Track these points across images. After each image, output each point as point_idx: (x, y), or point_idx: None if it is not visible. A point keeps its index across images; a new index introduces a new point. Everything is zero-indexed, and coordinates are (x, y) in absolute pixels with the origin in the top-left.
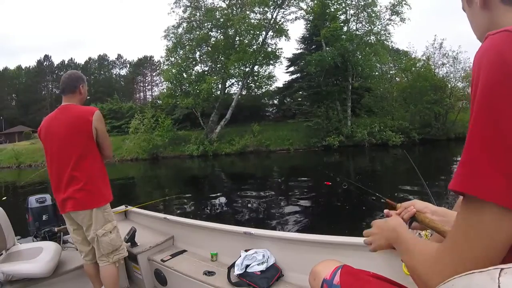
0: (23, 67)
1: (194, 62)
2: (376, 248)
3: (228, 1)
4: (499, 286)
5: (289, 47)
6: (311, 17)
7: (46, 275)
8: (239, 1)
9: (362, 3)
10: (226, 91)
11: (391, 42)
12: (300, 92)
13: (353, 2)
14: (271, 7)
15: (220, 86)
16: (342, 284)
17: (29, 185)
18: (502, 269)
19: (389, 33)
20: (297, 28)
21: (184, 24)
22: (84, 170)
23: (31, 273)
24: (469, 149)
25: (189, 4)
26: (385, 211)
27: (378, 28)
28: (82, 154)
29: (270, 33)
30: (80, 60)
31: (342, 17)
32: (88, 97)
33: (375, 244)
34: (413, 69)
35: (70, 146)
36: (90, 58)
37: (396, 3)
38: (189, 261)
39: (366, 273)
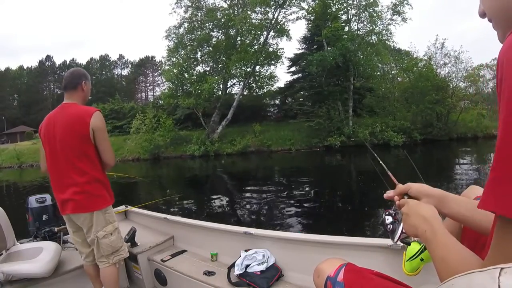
0: (25, 67)
1: (195, 62)
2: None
3: (229, 1)
4: (499, 285)
5: (290, 47)
6: (313, 17)
7: (46, 275)
8: (240, 1)
9: (364, 3)
10: (227, 91)
11: (393, 42)
12: (302, 92)
13: (355, 2)
14: (272, 7)
15: (221, 86)
16: (346, 281)
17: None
18: (502, 268)
19: (390, 33)
20: (298, 28)
21: (186, 24)
22: (83, 173)
23: (31, 273)
24: (502, 161)
25: (190, 4)
26: (385, 195)
27: (379, 28)
28: (80, 156)
29: (272, 33)
30: (82, 60)
31: (344, 17)
32: (90, 97)
33: (404, 224)
34: (414, 69)
35: (68, 147)
36: (92, 59)
37: (397, 3)
38: (189, 261)
39: (370, 271)
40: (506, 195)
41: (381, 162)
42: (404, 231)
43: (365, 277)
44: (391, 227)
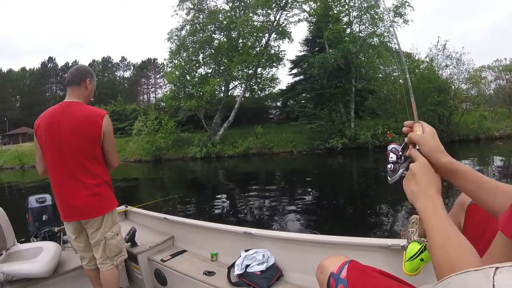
0: (27, 69)
1: (197, 64)
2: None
3: (231, 3)
4: (493, 284)
5: (292, 49)
6: (314, 19)
7: (46, 275)
8: (242, 4)
9: (365, 5)
10: (229, 93)
11: (394, 44)
12: (303, 94)
13: (356, 4)
14: (274, 10)
15: (223, 88)
16: (349, 278)
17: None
18: (497, 268)
19: (392, 35)
20: (300, 30)
21: (188, 27)
22: (94, 175)
23: (31, 273)
24: None
25: (192, 6)
26: (404, 128)
27: (381, 30)
28: (90, 158)
29: (273, 35)
30: (84, 62)
31: (345, 19)
32: (92, 99)
33: (406, 183)
34: (416, 71)
35: (78, 149)
36: (94, 60)
37: (399, 5)
38: (189, 261)
39: (372, 269)
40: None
41: (411, 90)
42: (403, 176)
43: (368, 275)
44: (392, 166)
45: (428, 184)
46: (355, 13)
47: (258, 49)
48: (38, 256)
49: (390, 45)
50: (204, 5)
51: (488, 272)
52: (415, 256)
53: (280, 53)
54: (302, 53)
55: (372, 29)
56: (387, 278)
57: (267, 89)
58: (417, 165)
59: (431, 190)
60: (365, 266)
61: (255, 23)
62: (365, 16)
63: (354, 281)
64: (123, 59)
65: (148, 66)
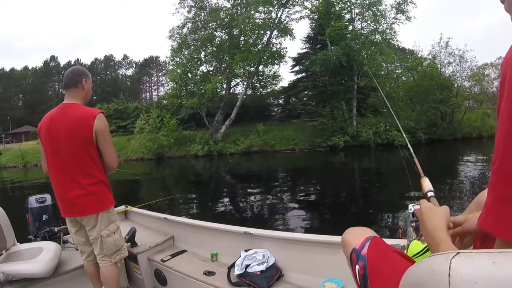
0: (29, 68)
1: (199, 62)
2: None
3: (232, 1)
4: (450, 266)
5: (294, 46)
6: (316, 16)
7: (46, 275)
8: (244, 1)
9: (367, 2)
10: (231, 91)
11: (397, 41)
12: (305, 92)
13: (358, 1)
14: (276, 7)
15: (225, 86)
16: (369, 257)
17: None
18: (458, 252)
19: (394, 32)
20: (302, 28)
21: (189, 24)
22: (89, 175)
23: (31, 273)
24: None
25: (193, 4)
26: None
27: (383, 27)
28: (85, 159)
29: (275, 32)
30: (87, 60)
31: (347, 16)
32: (94, 97)
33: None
34: (419, 68)
35: (73, 150)
36: (96, 59)
37: (401, 1)
38: (189, 261)
39: (394, 250)
40: (492, 215)
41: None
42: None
43: (388, 258)
44: (414, 224)
45: (427, 229)
46: (357, 10)
47: (259, 46)
48: (38, 256)
49: (392, 42)
50: (205, 2)
51: (448, 256)
52: (419, 254)
53: (282, 51)
54: (304, 50)
55: (374, 26)
56: (406, 261)
57: (268, 87)
58: (421, 217)
59: (431, 231)
60: (387, 246)
61: (257, 20)
62: (367, 13)
63: (373, 261)
64: (125, 57)
65: (150, 64)
